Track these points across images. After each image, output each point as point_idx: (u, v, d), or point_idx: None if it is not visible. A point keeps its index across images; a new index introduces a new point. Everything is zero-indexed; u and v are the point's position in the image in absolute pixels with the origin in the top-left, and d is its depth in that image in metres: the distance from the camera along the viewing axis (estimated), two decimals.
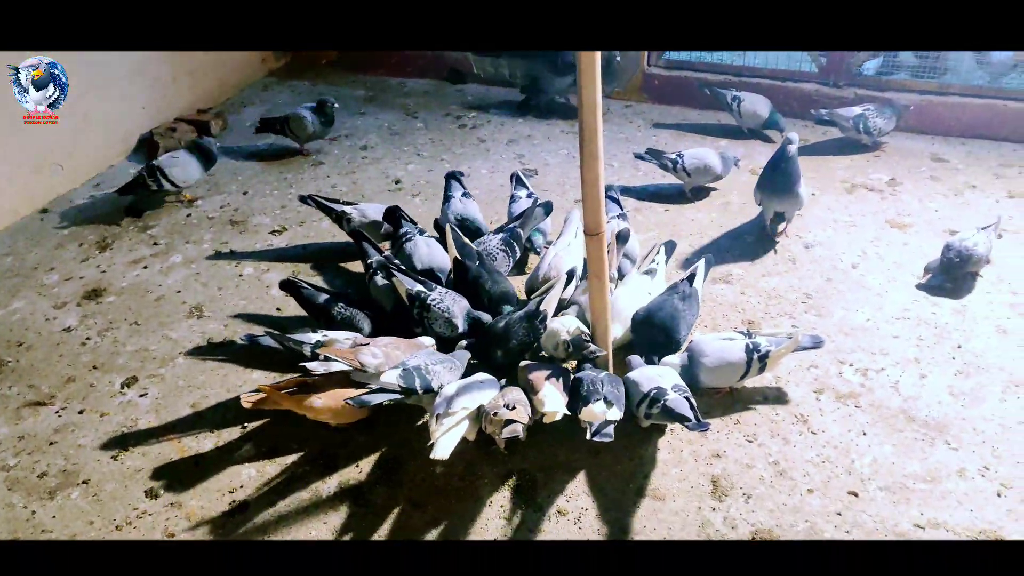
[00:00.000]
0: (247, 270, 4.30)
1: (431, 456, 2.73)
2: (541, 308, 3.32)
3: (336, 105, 5.39)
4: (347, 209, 4.21)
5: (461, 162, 5.37)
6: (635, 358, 3.27)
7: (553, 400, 2.88)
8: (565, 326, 3.22)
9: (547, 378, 3.00)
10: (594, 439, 2.80)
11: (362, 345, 3.16)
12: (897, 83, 5.48)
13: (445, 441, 2.78)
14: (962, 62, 5.51)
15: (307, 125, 5.28)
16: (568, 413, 2.90)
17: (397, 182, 5.17)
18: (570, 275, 3.53)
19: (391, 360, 3.08)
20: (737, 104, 5.35)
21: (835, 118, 5.16)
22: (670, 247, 3.86)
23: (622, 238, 3.68)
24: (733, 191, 4.81)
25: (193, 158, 4.85)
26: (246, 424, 3.25)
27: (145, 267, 4.36)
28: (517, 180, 4.43)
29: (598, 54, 2.46)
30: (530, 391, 3.00)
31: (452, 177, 4.36)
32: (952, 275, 3.80)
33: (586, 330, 3.21)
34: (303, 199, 4.42)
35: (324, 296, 3.59)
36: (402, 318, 3.54)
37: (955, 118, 5.27)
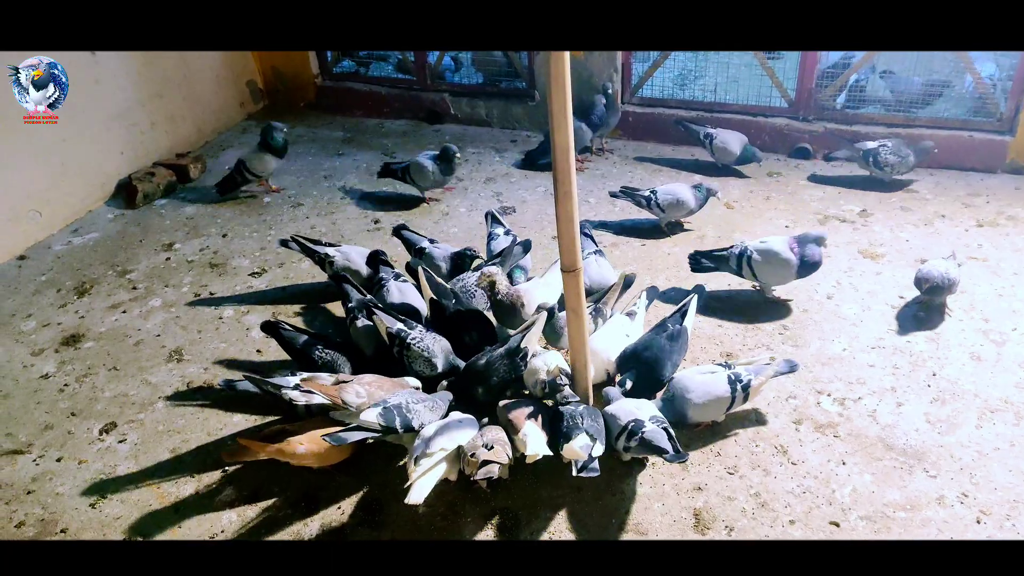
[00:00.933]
0: (227, 313, 4.30)
1: (406, 501, 2.72)
2: (522, 345, 3.33)
3: (459, 154, 5.30)
4: (330, 252, 4.22)
5: (440, 200, 5.42)
6: (611, 390, 3.23)
7: (535, 442, 2.88)
8: (546, 364, 3.23)
9: (528, 417, 3.00)
10: (581, 475, 2.80)
11: (345, 382, 3.16)
12: (865, 116, 5.61)
13: (421, 485, 2.77)
14: (927, 95, 5.66)
15: (428, 173, 5.27)
16: (551, 453, 2.90)
17: (376, 222, 5.20)
18: (551, 312, 3.55)
19: (374, 399, 3.08)
20: (710, 141, 5.45)
21: (848, 147, 5.30)
22: (652, 292, 3.89)
23: (627, 283, 3.73)
24: (708, 225, 4.88)
25: (267, 153, 5.48)
26: (227, 467, 3.23)
27: (124, 312, 4.35)
28: (493, 218, 4.47)
29: (569, 97, 2.51)
30: (511, 430, 3.00)
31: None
32: (937, 299, 3.89)
33: (566, 368, 3.23)
34: (284, 243, 4.43)
35: (304, 338, 3.58)
36: (383, 362, 3.52)
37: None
